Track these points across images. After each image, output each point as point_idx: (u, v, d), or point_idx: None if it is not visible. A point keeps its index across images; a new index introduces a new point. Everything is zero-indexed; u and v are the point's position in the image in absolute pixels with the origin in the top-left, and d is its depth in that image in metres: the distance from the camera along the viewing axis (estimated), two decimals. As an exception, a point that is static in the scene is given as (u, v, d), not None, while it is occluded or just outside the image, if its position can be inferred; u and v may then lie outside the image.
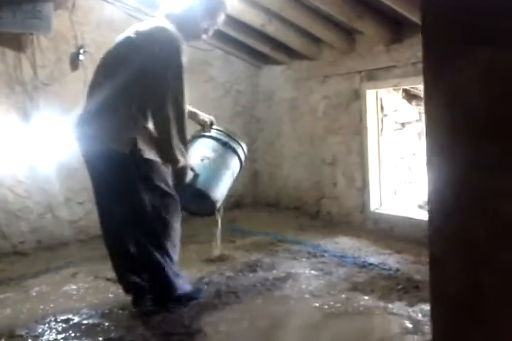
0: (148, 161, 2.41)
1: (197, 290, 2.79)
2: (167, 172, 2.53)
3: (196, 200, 2.79)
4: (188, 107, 2.79)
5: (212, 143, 2.91)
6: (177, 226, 2.59)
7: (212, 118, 3.00)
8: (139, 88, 2.42)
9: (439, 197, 0.87)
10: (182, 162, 2.48)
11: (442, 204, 0.87)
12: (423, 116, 4.24)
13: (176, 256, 2.60)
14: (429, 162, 0.93)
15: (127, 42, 2.52)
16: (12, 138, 3.86)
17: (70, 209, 4.14)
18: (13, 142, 3.86)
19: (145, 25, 2.55)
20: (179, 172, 2.53)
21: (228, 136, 2.97)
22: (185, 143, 2.51)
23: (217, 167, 2.83)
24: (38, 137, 3.93)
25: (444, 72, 0.84)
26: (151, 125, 2.44)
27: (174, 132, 2.41)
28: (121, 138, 2.38)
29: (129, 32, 2.55)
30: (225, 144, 2.92)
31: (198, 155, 2.79)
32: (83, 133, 2.56)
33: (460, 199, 0.82)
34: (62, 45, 4.08)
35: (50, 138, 3.96)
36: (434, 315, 0.93)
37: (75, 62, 4.14)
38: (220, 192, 2.82)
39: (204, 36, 2.74)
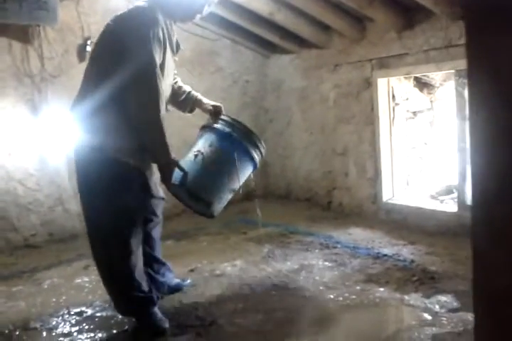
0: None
1: None
2: None
3: (193, 201, 2.44)
4: (195, 94, 2.70)
5: (210, 135, 2.50)
6: None
7: (218, 105, 2.64)
8: (116, 82, 2.16)
9: (484, 188, 0.83)
10: (162, 160, 2.23)
11: (487, 196, 0.83)
12: (435, 104, 4.19)
13: None
14: (473, 152, 0.88)
15: (105, 29, 2.29)
16: (22, 131, 3.84)
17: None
18: (22, 135, 3.84)
19: (125, 11, 2.32)
20: (161, 171, 2.25)
21: (233, 125, 2.48)
22: (162, 139, 2.21)
23: (211, 163, 2.38)
24: (47, 129, 3.91)
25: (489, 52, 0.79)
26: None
27: (147, 129, 2.19)
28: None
29: (111, 18, 2.32)
30: (227, 136, 2.45)
31: (195, 150, 2.47)
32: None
33: (506, 191, 0.78)
34: (69, 36, 4.05)
35: (59, 131, 3.94)
36: (478, 312, 0.90)
37: (82, 54, 4.10)
38: (214, 193, 2.39)
39: (198, 16, 2.39)
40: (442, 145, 4.23)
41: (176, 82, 2.71)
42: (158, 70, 2.15)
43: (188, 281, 2.89)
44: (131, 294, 2.29)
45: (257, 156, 2.52)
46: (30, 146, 3.88)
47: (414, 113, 4.22)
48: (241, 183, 2.50)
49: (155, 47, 2.14)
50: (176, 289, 2.76)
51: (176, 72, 2.65)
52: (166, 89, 2.33)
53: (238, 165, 2.41)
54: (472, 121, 0.93)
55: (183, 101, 2.71)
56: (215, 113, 2.60)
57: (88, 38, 4.09)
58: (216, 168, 2.39)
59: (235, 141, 2.44)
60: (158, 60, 2.17)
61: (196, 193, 2.34)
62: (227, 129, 2.48)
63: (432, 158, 4.27)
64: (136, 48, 2.12)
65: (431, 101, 4.25)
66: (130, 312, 2.41)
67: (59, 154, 3.97)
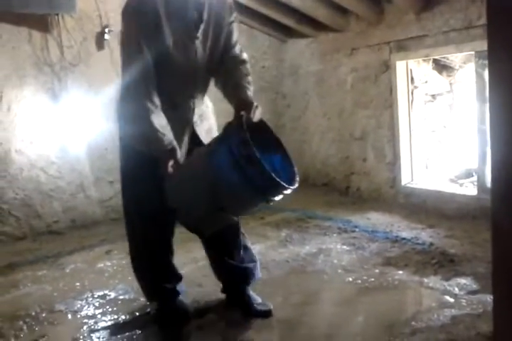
0: None
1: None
2: None
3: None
4: (240, 92, 2.10)
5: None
6: None
7: (251, 105, 1.97)
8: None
9: (505, 167, 0.83)
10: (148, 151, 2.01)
11: (507, 176, 0.83)
12: (454, 87, 4.13)
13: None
14: (493, 134, 0.88)
15: None
16: (42, 120, 3.90)
17: (101, 189, 4.19)
18: (43, 123, 3.91)
19: None
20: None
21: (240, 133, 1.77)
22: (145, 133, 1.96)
23: (182, 174, 1.93)
24: (67, 118, 3.96)
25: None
26: None
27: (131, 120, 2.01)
28: None
29: None
30: (220, 141, 1.87)
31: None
32: None
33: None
34: (87, 24, 4.08)
35: (79, 119, 4.00)
36: (497, 290, 0.91)
37: (100, 42, 4.14)
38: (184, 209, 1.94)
39: None
40: (462, 128, 4.19)
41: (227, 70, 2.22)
42: (135, 65, 1.93)
43: None
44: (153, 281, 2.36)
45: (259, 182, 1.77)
46: (51, 134, 3.94)
47: (434, 96, 4.17)
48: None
49: (133, 42, 1.93)
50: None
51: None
52: (175, 81, 2.05)
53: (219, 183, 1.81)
54: (492, 100, 0.93)
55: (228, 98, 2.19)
56: (239, 115, 1.92)
57: (106, 26, 4.12)
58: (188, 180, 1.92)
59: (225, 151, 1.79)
60: (141, 53, 1.92)
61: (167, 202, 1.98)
62: (225, 136, 1.87)
63: (451, 142, 4.23)
64: (121, 42, 2.02)
65: (450, 84, 4.19)
66: (150, 295, 2.42)
67: (79, 142, 4.03)
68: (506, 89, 0.95)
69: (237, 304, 2.37)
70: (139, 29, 1.92)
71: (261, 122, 2.00)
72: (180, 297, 2.38)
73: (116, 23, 4.17)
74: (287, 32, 4.88)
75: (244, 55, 2.30)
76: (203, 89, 2.23)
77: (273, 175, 1.74)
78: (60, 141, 3.98)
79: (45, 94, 3.91)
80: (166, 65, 1.99)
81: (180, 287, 2.39)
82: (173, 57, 2.00)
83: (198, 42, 2.04)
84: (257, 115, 1.96)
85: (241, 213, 2.11)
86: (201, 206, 1.86)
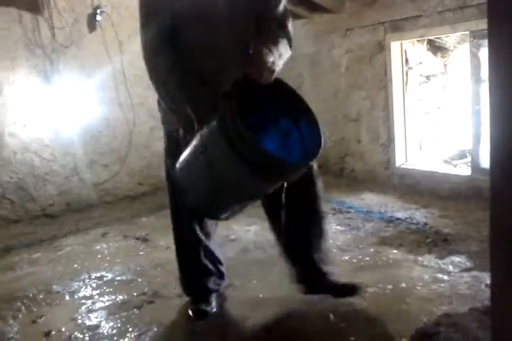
0: None
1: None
2: None
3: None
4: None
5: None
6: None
7: (262, 60, 1.71)
8: None
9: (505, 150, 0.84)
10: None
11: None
12: (449, 68, 4.11)
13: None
14: (492, 116, 0.88)
15: None
16: (35, 102, 3.86)
17: (95, 172, 4.18)
18: (36, 106, 3.87)
19: None
20: None
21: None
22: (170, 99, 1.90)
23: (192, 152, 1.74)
24: (60, 100, 3.93)
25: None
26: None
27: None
28: None
29: None
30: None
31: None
32: None
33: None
34: (78, 5, 4.02)
35: (72, 101, 3.97)
36: (495, 263, 0.93)
37: (92, 23, 4.09)
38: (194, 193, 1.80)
39: None
40: (456, 109, 4.19)
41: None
42: (152, 45, 1.84)
43: None
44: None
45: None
46: (44, 117, 3.91)
47: (428, 77, 4.17)
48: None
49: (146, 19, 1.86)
50: None
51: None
52: (200, 54, 1.87)
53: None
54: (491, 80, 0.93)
55: None
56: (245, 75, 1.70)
57: (98, 7, 4.06)
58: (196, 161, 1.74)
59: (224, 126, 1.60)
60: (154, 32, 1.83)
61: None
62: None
63: (445, 123, 4.24)
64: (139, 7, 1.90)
65: (444, 65, 4.19)
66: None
67: (72, 125, 4.01)
68: (507, 64, 0.94)
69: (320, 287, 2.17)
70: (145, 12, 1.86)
71: (278, 82, 1.70)
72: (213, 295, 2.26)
73: (108, 4, 4.12)
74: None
75: (287, 22, 1.98)
76: (237, 64, 1.87)
77: (266, 150, 1.50)
78: (53, 124, 3.95)
79: (38, 77, 3.87)
80: (188, 35, 1.84)
81: (214, 284, 2.26)
82: (194, 28, 1.83)
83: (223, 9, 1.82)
84: (266, 75, 1.67)
85: (245, 197, 1.78)
86: (200, 187, 1.72)
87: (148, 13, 1.86)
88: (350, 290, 2.13)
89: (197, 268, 2.21)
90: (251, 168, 1.54)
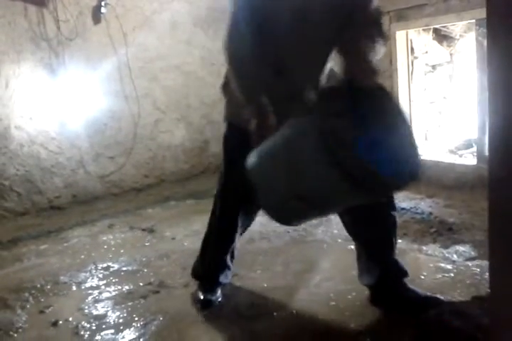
0: None
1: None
2: None
3: None
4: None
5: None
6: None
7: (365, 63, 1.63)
8: None
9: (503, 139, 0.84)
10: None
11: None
12: (454, 57, 4.07)
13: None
14: (492, 103, 0.89)
15: None
16: (41, 95, 3.88)
17: (101, 164, 4.21)
18: (42, 99, 3.89)
19: None
20: None
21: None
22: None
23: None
24: (66, 93, 3.95)
25: None
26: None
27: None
28: None
29: None
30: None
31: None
32: None
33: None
34: (82, -2, 4.02)
35: (78, 94, 3.98)
36: (494, 250, 0.94)
37: (97, 16, 4.09)
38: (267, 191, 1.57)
39: None
40: (462, 99, 4.16)
41: None
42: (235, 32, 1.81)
43: None
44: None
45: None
46: (50, 110, 3.93)
47: (434, 66, 4.14)
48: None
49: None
50: None
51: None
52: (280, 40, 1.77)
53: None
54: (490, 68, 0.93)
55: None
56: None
57: (102, 0, 4.06)
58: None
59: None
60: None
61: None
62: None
63: (451, 112, 4.21)
64: None
65: (450, 54, 4.15)
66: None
67: (78, 117, 4.03)
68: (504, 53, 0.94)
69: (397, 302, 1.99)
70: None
71: (378, 89, 1.54)
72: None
73: None
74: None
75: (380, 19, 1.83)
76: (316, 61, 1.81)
77: (382, 175, 1.29)
78: (59, 117, 3.97)
79: (43, 70, 3.88)
80: (271, 28, 1.74)
81: (225, 277, 2.29)
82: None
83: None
84: (369, 77, 1.56)
85: (324, 207, 1.59)
86: (278, 189, 1.50)
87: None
88: (430, 304, 1.90)
89: (218, 261, 2.25)
90: (350, 183, 1.33)
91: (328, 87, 1.47)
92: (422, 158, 1.41)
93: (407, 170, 1.44)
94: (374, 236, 1.98)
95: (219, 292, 2.25)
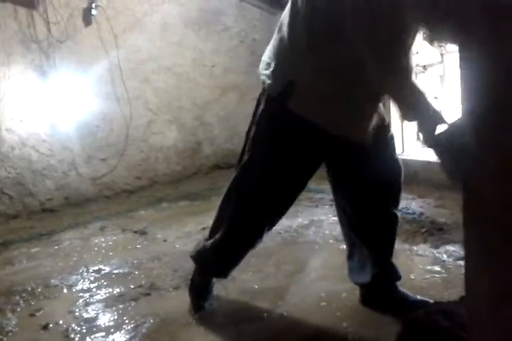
0: None
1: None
2: None
3: None
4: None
5: None
6: None
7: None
8: None
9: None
10: None
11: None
12: (446, 57, 4.07)
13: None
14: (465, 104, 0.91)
15: None
16: (32, 97, 3.87)
17: (93, 167, 4.20)
18: (33, 101, 3.88)
19: None
20: None
21: None
22: None
23: None
24: (57, 95, 3.93)
25: None
26: None
27: None
28: None
29: None
30: None
31: None
32: None
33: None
34: (73, 0, 4.01)
35: (69, 96, 3.97)
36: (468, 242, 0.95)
37: (87, 18, 4.08)
38: None
39: None
40: (453, 99, 4.18)
41: None
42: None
43: None
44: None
45: None
46: (41, 112, 3.92)
47: (424, 67, 4.15)
48: None
49: None
50: None
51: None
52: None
53: None
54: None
55: None
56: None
57: (93, 1, 4.05)
58: None
59: None
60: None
61: None
62: None
63: (442, 113, 4.22)
64: None
65: (441, 55, 4.17)
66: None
67: (69, 119, 4.01)
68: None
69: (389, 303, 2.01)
70: None
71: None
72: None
73: (102, -2, 4.12)
74: (278, 5, 4.80)
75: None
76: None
77: None
78: (50, 119, 3.95)
79: (34, 72, 3.87)
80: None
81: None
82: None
83: None
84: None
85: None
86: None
87: None
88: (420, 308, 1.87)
89: (237, 263, 2.10)
90: None
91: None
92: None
93: None
94: (377, 233, 1.97)
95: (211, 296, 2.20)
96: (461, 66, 0.97)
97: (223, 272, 2.14)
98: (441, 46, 4.10)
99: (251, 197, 1.91)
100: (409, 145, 4.07)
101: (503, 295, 0.93)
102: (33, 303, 2.39)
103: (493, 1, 0.86)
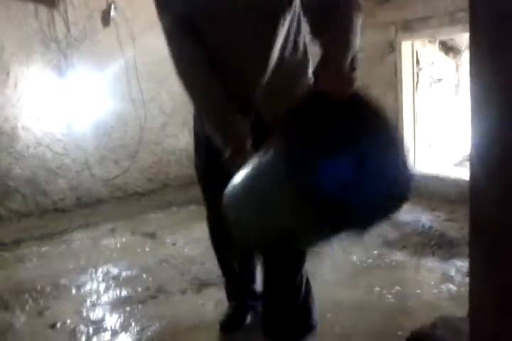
0: None
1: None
2: None
3: None
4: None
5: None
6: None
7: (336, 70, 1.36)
8: None
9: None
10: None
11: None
12: (460, 69, 4.06)
13: None
14: (474, 111, 0.89)
15: None
16: (49, 97, 3.92)
17: (106, 167, 4.23)
18: (50, 100, 3.93)
19: None
20: None
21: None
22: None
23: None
24: (73, 95, 3.98)
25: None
26: None
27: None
28: None
29: None
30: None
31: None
32: None
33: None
34: (93, 0, 4.06)
35: (85, 96, 4.01)
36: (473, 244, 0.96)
37: (106, 18, 4.13)
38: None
39: None
40: (467, 111, 4.16)
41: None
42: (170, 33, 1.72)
43: None
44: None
45: None
46: (57, 111, 3.97)
47: (439, 78, 4.14)
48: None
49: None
50: None
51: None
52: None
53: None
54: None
55: None
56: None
57: (112, 2, 4.09)
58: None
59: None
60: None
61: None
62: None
63: (455, 125, 4.21)
64: None
65: (456, 66, 4.16)
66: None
67: (85, 119, 4.06)
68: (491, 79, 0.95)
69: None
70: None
71: (359, 102, 1.27)
72: None
73: (122, 0, 4.16)
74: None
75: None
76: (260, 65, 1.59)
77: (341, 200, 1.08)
78: (65, 118, 4.00)
79: (52, 71, 3.92)
80: (204, 33, 1.61)
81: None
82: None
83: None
84: (345, 88, 1.29)
85: (297, 239, 1.29)
86: (250, 218, 1.27)
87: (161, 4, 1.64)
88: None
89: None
90: (312, 204, 1.10)
91: (295, 106, 1.19)
92: (412, 182, 1.19)
93: (395, 196, 1.21)
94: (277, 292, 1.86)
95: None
96: (471, 76, 0.96)
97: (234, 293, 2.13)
98: (456, 57, 4.10)
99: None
100: (421, 158, 4.05)
101: (506, 310, 0.93)
102: (41, 302, 2.42)
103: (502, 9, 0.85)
